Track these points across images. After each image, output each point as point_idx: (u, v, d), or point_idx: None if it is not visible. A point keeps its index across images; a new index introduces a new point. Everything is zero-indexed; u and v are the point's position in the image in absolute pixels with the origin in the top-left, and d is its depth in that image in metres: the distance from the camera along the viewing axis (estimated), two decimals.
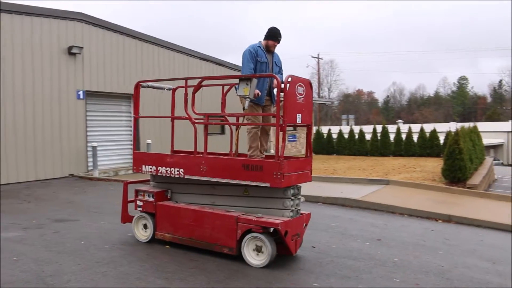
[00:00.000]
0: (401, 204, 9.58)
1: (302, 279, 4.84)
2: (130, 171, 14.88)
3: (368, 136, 24.05)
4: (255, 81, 5.42)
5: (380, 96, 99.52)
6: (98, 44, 14.45)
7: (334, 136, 25.19)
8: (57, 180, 12.77)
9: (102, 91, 14.53)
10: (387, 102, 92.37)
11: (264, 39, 6.07)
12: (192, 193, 5.93)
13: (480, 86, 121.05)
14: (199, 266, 5.04)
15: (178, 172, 5.71)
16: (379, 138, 23.18)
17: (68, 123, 13.55)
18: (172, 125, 6.43)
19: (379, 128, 23.32)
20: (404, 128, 24.29)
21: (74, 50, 13.42)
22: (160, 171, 5.91)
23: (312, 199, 9.94)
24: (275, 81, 5.77)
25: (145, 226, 6.16)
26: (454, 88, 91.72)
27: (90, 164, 13.90)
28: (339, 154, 24.30)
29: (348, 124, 43.09)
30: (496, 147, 48.04)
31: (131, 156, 15.67)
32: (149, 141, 15.22)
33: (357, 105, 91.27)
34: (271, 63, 6.09)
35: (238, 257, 5.25)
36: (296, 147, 26.37)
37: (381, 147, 23.00)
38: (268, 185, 4.97)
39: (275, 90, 5.96)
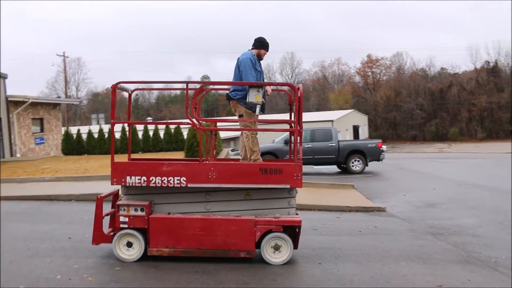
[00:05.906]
0: None
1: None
2: None
3: (118, 135, 24.67)
4: (264, 88, 5.62)
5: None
6: None
7: (84, 136, 25.10)
8: None
9: None
10: (137, 100, 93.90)
11: (256, 48, 6.10)
12: (179, 202, 5.58)
13: None
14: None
15: (178, 181, 5.33)
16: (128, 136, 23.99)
17: None
18: (129, 130, 6.28)
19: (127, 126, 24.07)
20: (151, 125, 25.73)
21: None
22: (153, 182, 5.36)
23: (65, 198, 10.23)
24: (268, 90, 6.08)
25: (128, 245, 5.47)
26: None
27: None
28: (90, 153, 24.13)
29: (98, 123, 42.65)
30: (235, 139, 54.34)
31: None
32: None
33: (106, 104, 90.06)
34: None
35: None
36: (45, 149, 25.41)
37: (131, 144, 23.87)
38: (288, 186, 5.32)
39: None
